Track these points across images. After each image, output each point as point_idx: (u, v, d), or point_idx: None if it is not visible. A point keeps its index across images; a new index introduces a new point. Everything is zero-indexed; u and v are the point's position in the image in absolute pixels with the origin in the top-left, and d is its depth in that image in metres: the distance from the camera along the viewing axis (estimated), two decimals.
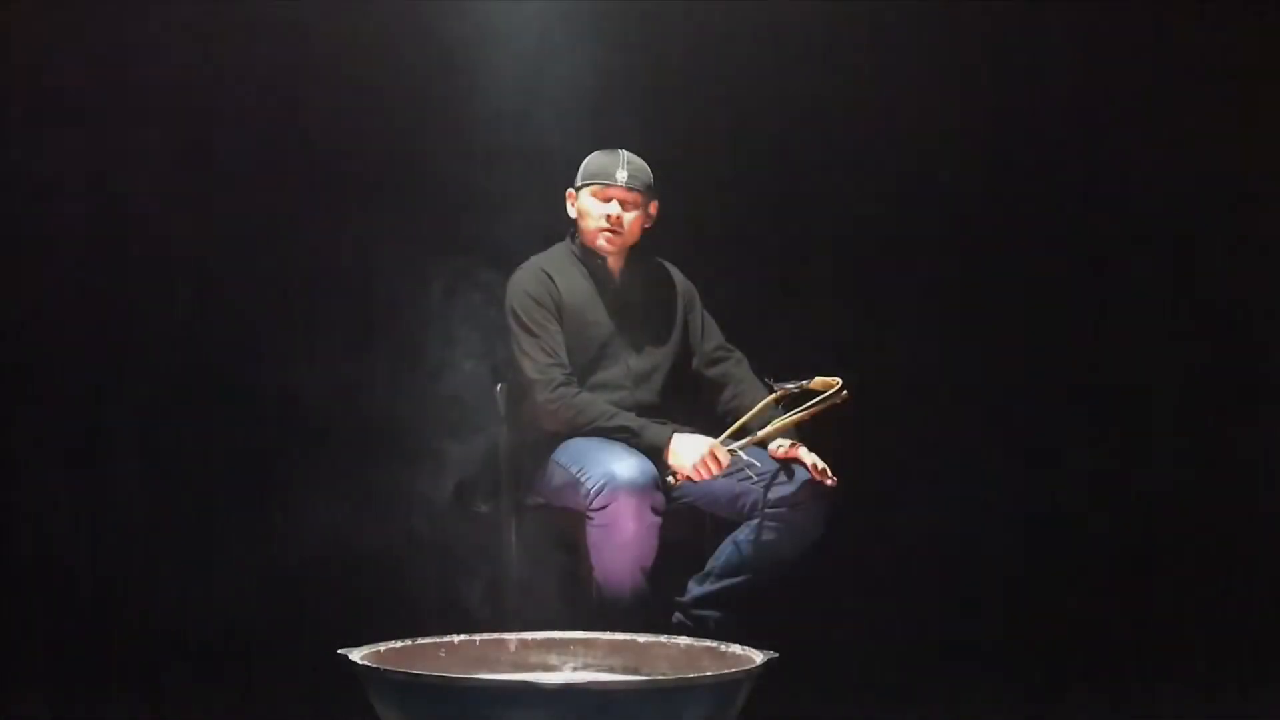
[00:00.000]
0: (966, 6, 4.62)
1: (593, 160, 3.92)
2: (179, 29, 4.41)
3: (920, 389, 4.61)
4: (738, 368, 4.02)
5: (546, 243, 4.01)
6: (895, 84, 4.65)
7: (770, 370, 3.80)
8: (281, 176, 4.45)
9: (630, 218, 3.89)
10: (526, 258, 3.96)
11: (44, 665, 4.13)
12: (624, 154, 3.91)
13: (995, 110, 4.69)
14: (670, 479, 3.73)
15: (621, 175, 3.87)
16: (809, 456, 3.78)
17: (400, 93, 4.49)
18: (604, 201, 3.88)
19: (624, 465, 3.60)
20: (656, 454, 3.72)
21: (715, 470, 3.69)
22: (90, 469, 4.42)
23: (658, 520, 3.62)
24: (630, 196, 3.89)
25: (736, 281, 4.47)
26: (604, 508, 3.60)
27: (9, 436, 4.38)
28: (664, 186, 3.99)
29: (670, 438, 3.73)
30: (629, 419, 3.78)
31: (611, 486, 3.59)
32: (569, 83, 4.19)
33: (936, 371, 4.63)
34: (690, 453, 3.70)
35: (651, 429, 3.76)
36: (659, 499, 3.62)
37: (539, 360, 3.82)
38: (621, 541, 3.61)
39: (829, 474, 3.75)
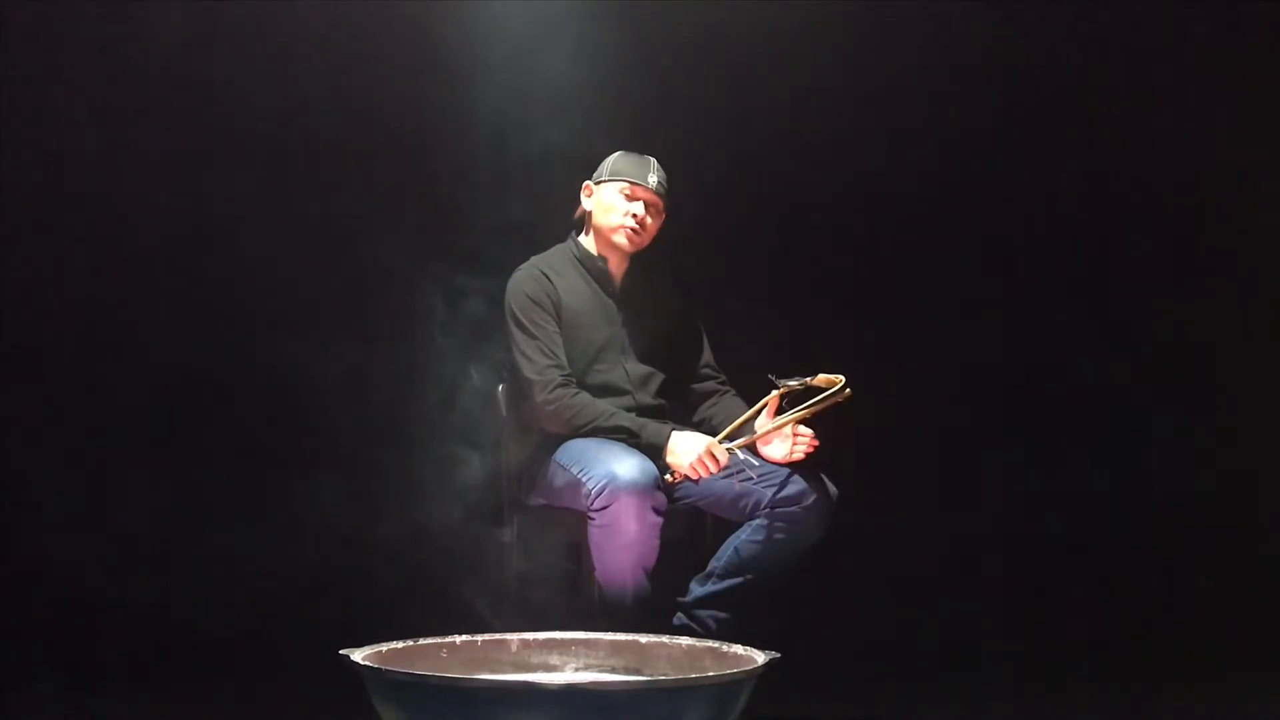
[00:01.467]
0: (964, 7, 4.62)
1: (621, 159, 3.91)
2: (187, 30, 4.42)
3: (920, 388, 4.62)
4: (719, 390, 4.02)
5: (543, 244, 4.00)
6: (894, 84, 4.66)
7: (772, 369, 3.80)
8: (284, 179, 4.47)
9: (652, 223, 3.90)
10: (525, 258, 3.95)
11: (45, 666, 4.12)
12: (653, 160, 3.91)
13: (994, 110, 4.71)
14: (668, 477, 3.72)
15: (653, 180, 3.87)
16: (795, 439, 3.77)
17: (406, 90, 4.50)
18: (630, 200, 3.87)
19: (625, 466, 3.59)
20: (656, 453, 3.72)
21: (713, 469, 3.69)
22: (91, 469, 4.42)
23: (659, 520, 3.61)
24: (656, 201, 3.89)
25: (735, 282, 4.49)
26: (605, 508, 3.58)
27: (10, 434, 4.38)
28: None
29: (669, 436, 3.73)
30: (627, 419, 3.78)
31: (613, 487, 3.57)
32: (566, 86, 4.19)
33: (937, 371, 4.65)
34: (687, 451, 3.70)
35: (650, 428, 3.76)
36: (660, 499, 3.61)
37: (537, 361, 3.81)
38: (623, 542, 3.59)
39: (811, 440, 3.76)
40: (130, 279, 4.46)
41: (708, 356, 4.05)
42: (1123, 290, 4.74)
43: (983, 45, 4.68)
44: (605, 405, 3.80)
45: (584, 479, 3.66)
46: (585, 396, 3.80)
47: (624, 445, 3.71)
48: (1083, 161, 4.74)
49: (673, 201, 3.94)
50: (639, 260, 3.98)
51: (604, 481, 3.59)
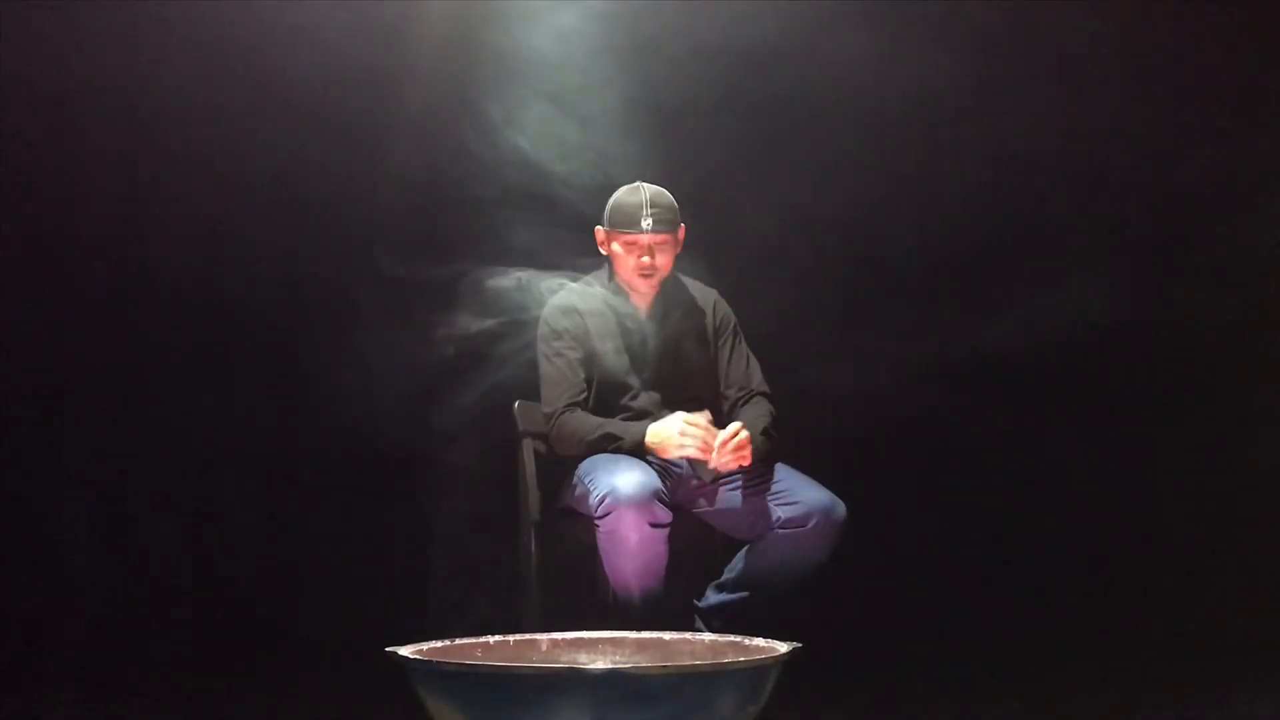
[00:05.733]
0: (985, 10, 4.68)
1: (617, 203, 3.94)
2: (202, 51, 4.48)
3: (923, 395, 4.64)
4: (740, 399, 4.05)
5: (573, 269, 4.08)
6: (917, 94, 4.71)
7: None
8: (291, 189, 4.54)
9: (662, 260, 3.95)
10: (551, 278, 4.04)
11: (63, 664, 4.19)
12: (646, 193, 3.92)
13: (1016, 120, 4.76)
14: (684, 470, 3.80)
15: (646, 223, 3.89)
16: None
17: (427, 106, 4.54)
18: (633, 249, 3.92)
19: (626, 479, 3.68)
20: (643, 451, 3.79)
21: (696, 437, 3.71)
22: (116, 466, 4.46)
23: (660, 533, 3.70)
24: (659, 240, 3.94)
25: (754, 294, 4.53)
26: (606, 517, 3.69)
27: (37, 430, 4.41)
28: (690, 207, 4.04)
29: (645, 431, 3.79)
30: (612, 425, 3.85)
31: (613, 499, 3.67)
32: (590, 98, 4.28)
33: (940, 377, 4.65)
34: (666, 437, 3.75)
35: (631, 430, 3.83)
36: (660, 513, 3.69)
37: (550, 390, 3.92)
38: (626, 551, 3.70)
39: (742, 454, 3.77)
40: (151, 289, 4.51)
41: (739, 372, 4.07)
42: (1124, 290, 4.79)
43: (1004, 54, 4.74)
44: (595, 420, 3.87)
45: (591, 489, 3.76)
46: (580, 415, 3.88)
47: (630, 459, 3.79)
48: (1086, 163, 4.79)
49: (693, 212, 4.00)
50: (670, 281, 4.04)
51: (605, 492, 3.69)
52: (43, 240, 4.40)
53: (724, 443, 3.76)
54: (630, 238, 3.92)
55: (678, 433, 3.75)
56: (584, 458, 3.88)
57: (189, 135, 4.47)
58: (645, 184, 3.97)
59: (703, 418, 3.78)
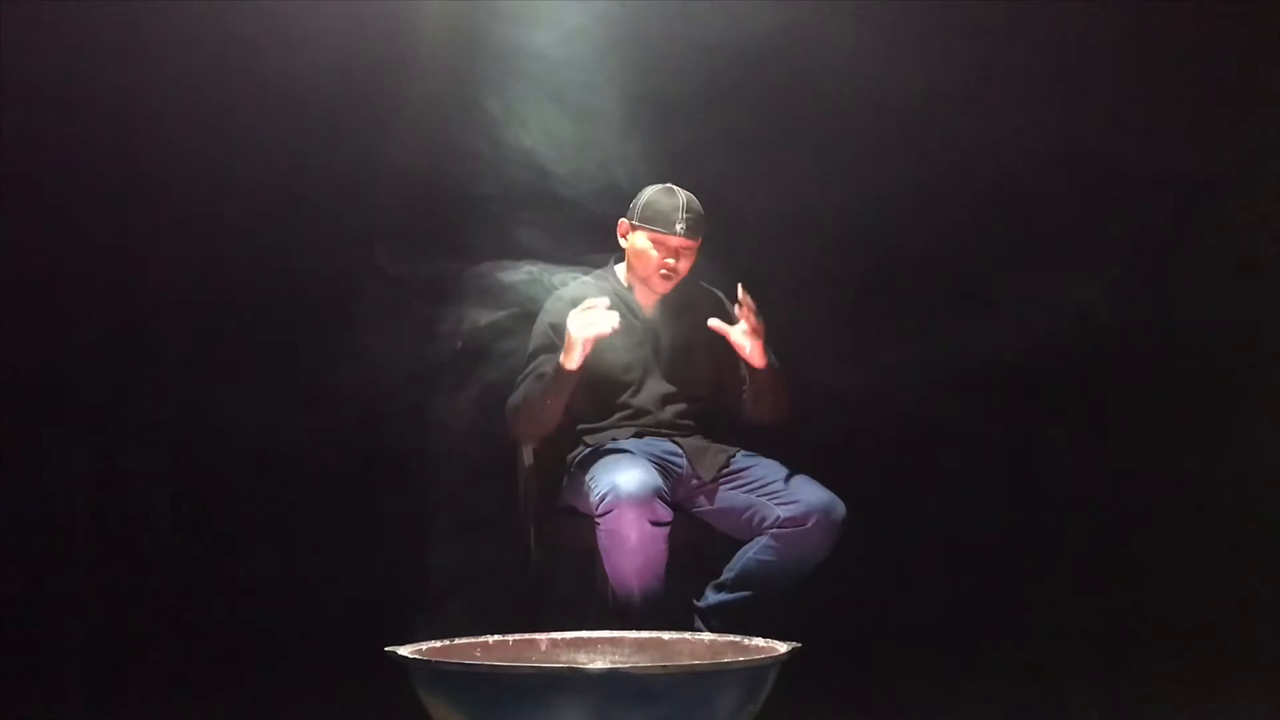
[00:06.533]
0: (992, 6, 4.68)
1: (652, 201, 3.93)
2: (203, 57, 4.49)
3: (922, 394, 4.63)
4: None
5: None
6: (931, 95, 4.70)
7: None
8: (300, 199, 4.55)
9: (684, 265, 3.97)
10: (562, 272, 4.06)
11: (61, 662, 4.20)
12: (682, 197, 3.93)
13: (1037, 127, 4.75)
14: (684, 469, 3.82)
15: (680, 227, 3.90)
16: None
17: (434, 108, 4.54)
18: (661, 248, 3.93)
19: (627, 477, 3.69)
20: (569, 376, 3.75)
21: (595, 314, 3.70)
22: (115, 465, 4.46)
23: (660, 531, 3.70)
24: (687, 245, 3.95)
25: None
26: (607, 515, 3.69)
27: (35, 430, 4.42)
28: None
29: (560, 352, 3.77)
30: (541, 368, 3.84)
31: (614, 496, 3.67)
32: (593, 94, 4.25)
33: (940, 376, 4.64)
34: (574, 331, 3.72)
35: (551, 360, 3.81)
36: (660, 512, 3.70)
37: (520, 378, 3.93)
38: (625, 549, 3.70)
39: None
40: (150, 287, 4.51)
41: (744, 371, 4.03)
42: (1124, 290, 4.78)
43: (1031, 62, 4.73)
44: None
45: (592, 487, 3.76)
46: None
47: (631, 457, 3.80)
48: (1082, 160, 4.77)
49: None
50: (680, 282, 4.03)
51: (606, 490, 3.69)
52: (42, 239, 4.41)
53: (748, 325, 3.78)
54: (660, 237, 3.93)
55: (586, 323, 3.71)
56: (590, 450, 3.85)
57: (189, 133, 4.49)
58: (678, 188, 3.97)
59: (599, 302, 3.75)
